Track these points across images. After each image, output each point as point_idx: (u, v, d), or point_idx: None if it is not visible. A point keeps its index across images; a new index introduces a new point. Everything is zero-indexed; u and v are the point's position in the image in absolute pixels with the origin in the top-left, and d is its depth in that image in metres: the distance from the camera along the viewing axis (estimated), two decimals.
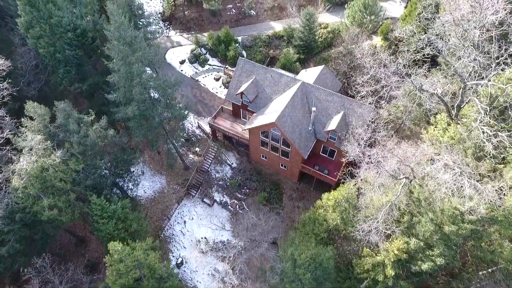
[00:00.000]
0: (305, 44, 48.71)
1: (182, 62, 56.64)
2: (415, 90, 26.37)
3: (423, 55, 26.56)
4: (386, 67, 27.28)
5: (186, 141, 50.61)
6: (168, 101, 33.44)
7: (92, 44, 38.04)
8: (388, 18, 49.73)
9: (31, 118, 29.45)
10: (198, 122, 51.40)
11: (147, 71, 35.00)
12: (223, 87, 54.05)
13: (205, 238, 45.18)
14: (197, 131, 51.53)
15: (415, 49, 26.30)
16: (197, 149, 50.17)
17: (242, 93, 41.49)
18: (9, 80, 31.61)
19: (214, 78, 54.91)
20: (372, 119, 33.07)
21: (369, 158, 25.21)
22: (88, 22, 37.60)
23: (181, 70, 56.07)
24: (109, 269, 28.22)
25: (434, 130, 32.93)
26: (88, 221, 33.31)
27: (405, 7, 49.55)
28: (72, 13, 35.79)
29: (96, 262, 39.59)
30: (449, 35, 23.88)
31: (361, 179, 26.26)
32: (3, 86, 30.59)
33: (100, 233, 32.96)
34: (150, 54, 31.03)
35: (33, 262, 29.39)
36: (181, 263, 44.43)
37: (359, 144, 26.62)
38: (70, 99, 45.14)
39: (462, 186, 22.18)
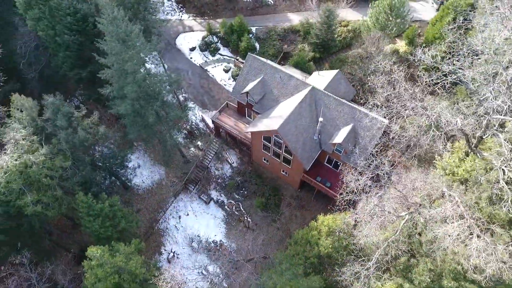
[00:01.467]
0: (321, 43, 45.22)
1: (192, 49, 54.17)
2: (432, 127, 23.40)
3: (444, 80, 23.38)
4: (399, 92, 24.24)
5: (188, 133, 49.10)
6: (165, 100, 31.52)
7: (94, 29, 36.07)
8: (416, 20, 45.32)
9: (21, 110, 28.29)
10: (202, 115, 49.52)
11: (148, 62, 32.97)
12: (232, 79, 51.57)
13: (198, 236, 44.35)
14: (201, 124, 49.76)
15: (436, 79, 23.15)
16: (199, 143, 48.58)
17: (247, 92, 39.07)
18: (0, 68, 30.26)
19: (224, 69, 52.39)
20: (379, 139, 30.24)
21: (367, 198, 22.89)
22: (91, 6, 35.46)
23: (191, 58, 53.70)
24: (88, 272, 27.60)
25: (449, 158, 29.92)
26: (76, 216, 32.64)
27: (437, 10, 45.01)
28: None
29: (83, 253, 39.43)
30: (477, 70, 20.65)
31: (356, 217, 24.05)
32: None
33: (88, 229, 32.36)
34: (148, 49, 28.83)
35: (11, 260, 29.12)
36: (173, 257, 43.92)
37: (360, 174, 24.19)
38: (71, 83, 44.09)
39: (470, 239, 19.73)
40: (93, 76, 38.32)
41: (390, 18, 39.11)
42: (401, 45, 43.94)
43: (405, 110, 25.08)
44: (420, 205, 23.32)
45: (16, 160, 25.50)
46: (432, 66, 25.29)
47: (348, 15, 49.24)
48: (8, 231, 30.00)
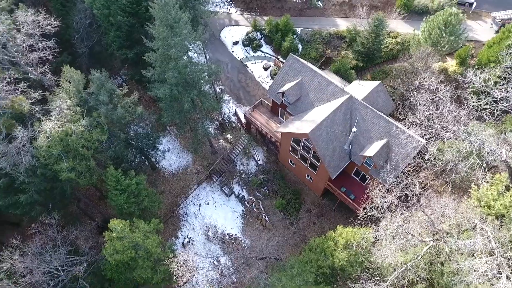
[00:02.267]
0: (366, 52, 44.03)
1: (235, 43, 54.77)
2: (473, 154, 22.05)
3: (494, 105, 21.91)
4: (442, 113, 23.02)
5: (220, 125, 49.81)
6: (202, 89, 32.13)
7: (145, 13, 37.42)
8: (471, 40, 42.88)
9: (69, 81, 30.03)
10: (235, 109, 50.01)
11: (192, 50, 33.66)
12: (270, 77, 51.60)
13: (215, 226, 44.98)
14: (233, 118, 50.29)
15: (485, 104, 21.75)
16: (228, 135, 49.15)
17: (283, 92, 38.94)
18: (57, 39, 32.25)
19: (263, 67, 52.51)
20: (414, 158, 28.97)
21: (391, 217, 22.04)
22: None
23: (232, 51, 54.33)
24: (108, 243, 28.88)
25: (487, 189, 28.17)
26: (104, 188, 34.19)
27: (496, 32, 42.34)
28: None
29: (105, 224, 41.26)
30: None
31: (377, 234, 23.24)
32: (48, 44, 31.35)
33: (113, 202, 33.82)
34: (193, 38, 29.47)
35: (41, 219, 31.08)
36: (188, 243, 44.87)
37: (388, 191, 23.33)
38: (117, 62, 46.08)
39: (498, 278, 18.50)
40: (138, 58, 39.83)
41: (444, 35, 37.28)
42: (451, 64, 41.80)
43: (446, 132, 23.84)
44: (448, 233, 22.17)
45: (58, 127, 27.14)
46: (483, 90, 23.82)
47: (398, 26, 47.58)
48: (43, 192, 32.05)
